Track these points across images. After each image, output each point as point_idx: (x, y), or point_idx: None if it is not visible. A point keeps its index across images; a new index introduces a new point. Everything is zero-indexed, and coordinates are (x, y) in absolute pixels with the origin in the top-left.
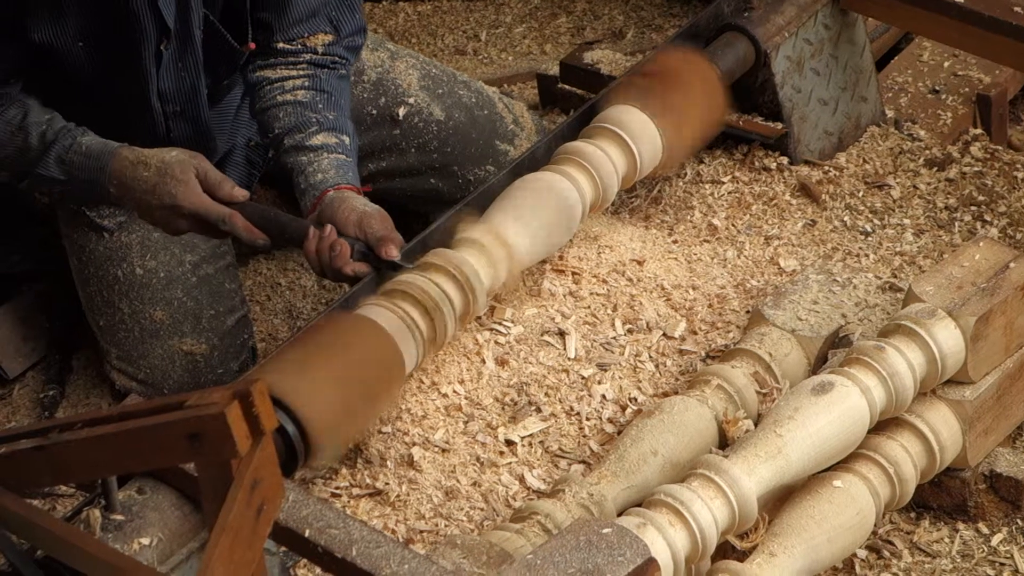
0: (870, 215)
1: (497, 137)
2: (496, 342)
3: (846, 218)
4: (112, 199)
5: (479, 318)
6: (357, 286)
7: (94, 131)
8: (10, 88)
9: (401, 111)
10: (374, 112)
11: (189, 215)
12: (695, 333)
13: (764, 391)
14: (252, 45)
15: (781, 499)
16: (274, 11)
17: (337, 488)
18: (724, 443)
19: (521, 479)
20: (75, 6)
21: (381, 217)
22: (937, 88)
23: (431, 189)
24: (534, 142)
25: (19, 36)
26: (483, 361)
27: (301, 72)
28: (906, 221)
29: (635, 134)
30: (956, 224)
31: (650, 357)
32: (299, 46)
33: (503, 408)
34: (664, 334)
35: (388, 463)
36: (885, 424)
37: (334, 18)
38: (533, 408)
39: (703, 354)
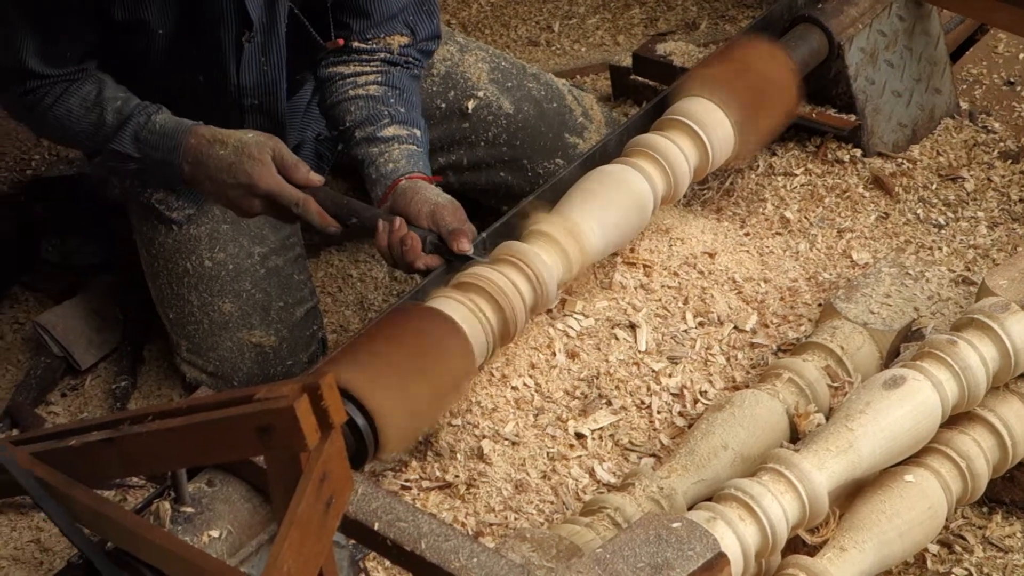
0: (943, 208)
1: (566, 130)
2: (567, 335)
3: (919, 211)
4: (185, 177)
5: (550, 311)
6: (428, 278)
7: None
8: (86, 65)
9: (470, 104)
10: (443, 106)
11: (263, 195)
12: (766, 326)
13: (836, 385)
14: (341, 41)
15: (852, 494)
16: (355, 14)
17: (407, 481)
18: (795, 437)
19: (591, 472)
20: None
21: (453, 208)
22: (1012, 80)
23: (500, 182)
24: (604, 135)
25: (100, 16)
26: (553, 354)
27: (374, 68)
28: (980, 214)
29: (707, 126)
30: None
31: (721, 350)
32: (374, 45)
33: (573, 401)
34: (735, 327)
35: (458, 456)
36: (957, 418)
37: (411, 22)
38: (603, 401)
39: (774, 347)
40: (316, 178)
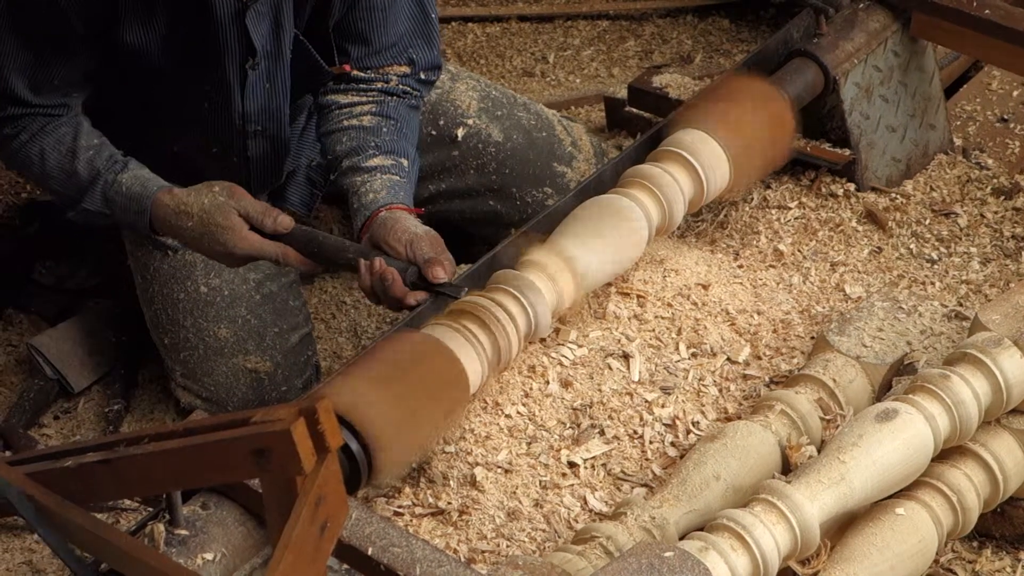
0: (936, 243)
1: (555, 159)
2: (560, 364)
3: (912, 245)
4: (161, 238)
5: (544, 340)
6: (421, 306)
7: (173, 144)
8: (70, 100)
9: (460, 132)
10: (433, 133)
11: (243, 258)
12: (759, 358)
13: (828, 417)
14: (347, 67)
15: (843, 526)
16: (355, 41)
17: (400, 507)
18: (787, 469)
19: (583, 501)
20: (165, 16)
21: (431, 239)
22: (1006, 116)
23: (489, 211)
24: (592, 165)
25: (102, 40)
26: (547, 383)
27: (370, 99)
28: (972, 249)
29: (703, 158)
30: (1023, 253)
31: (714, 381)
32: (372, 75)
33: (566, 430)
34: (728, 359)
35: (451, 483)
36: (949, 452)
37: (411, 51)
38: (596, 431)
39: (767, 379)
40: (284, 222)
